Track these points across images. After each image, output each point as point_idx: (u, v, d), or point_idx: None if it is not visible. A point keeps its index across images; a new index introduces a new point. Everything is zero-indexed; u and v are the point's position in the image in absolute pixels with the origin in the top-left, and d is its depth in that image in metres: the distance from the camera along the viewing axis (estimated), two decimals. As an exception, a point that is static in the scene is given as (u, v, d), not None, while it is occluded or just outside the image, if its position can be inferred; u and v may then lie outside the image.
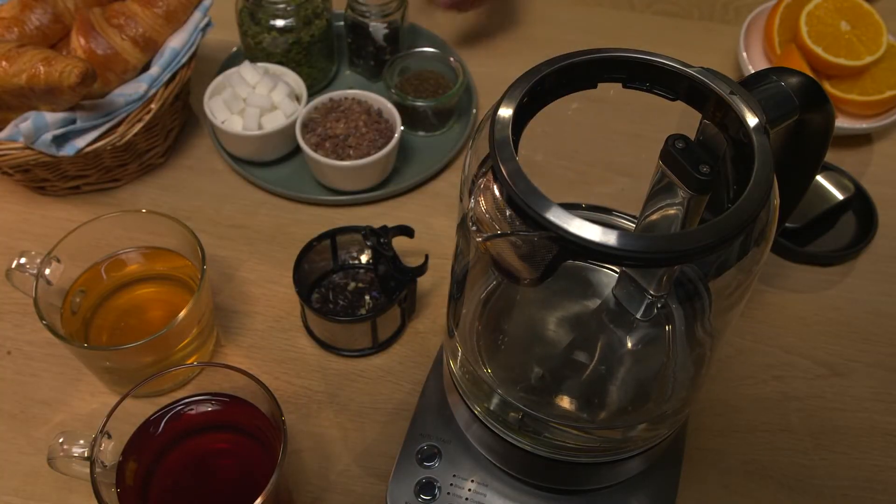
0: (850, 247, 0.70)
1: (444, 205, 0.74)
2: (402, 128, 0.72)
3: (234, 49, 0.84)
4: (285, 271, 0.63)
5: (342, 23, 0.82)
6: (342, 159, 0.71)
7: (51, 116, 0.64)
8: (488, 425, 0.49)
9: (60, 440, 0.49)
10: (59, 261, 0.58)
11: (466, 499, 0.52)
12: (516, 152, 0.36)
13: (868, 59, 0.76)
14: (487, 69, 0.84)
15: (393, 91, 0.76)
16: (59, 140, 0.65)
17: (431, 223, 0.71)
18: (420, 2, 0.90)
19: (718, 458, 0.59)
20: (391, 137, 0.72)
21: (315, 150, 0.71)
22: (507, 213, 0.35)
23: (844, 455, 0.60)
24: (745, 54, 0.81)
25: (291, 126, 0.72)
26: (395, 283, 0.61)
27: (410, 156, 0.76)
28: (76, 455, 0.49)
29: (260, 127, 0.72)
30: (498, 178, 0.35)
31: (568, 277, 0.54)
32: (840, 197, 0.72)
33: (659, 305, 0.48)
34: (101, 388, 0.62)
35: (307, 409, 0.61)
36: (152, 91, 0.68)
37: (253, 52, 0.78)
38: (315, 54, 0.79)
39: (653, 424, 0.49)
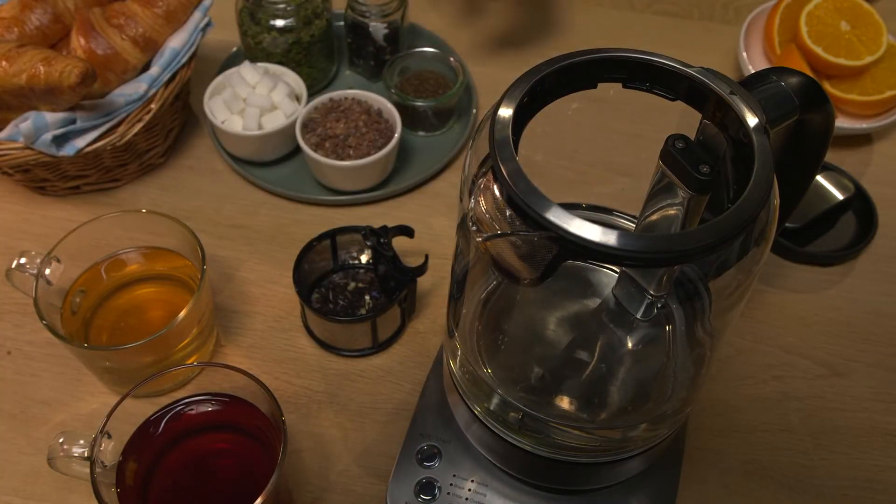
0: (850, 247, 0.70)
1: (444, 205, 0.74)
2: (402, 128, 0.72)
3: (234, 49, 0.84)
4: (285, 271, 0.63)
5: (342, 23, 0.82)
6: (342, 159, 0.71)
7: (51, 116, 0.64)
8: (488, 425, 0.49)
9: (60, 440, 0.49)
10: (59, 261, 0.58)
11: (466, 499, 0.52)
12: (516, 152, 0.36)
13: (868, 59, 0.76)
14: (487, 69, 0.84)
15: (393, 91, 0.76)
16: (59, 140, 0.65)
17: (431, 223, 0.71)
18: (420, 2, 0.90)
19: (718, 458, 0.59)
20: (391, 137, 0.72)
21: (315, 150, 0.71)
22: (507, 213, 0.35)
23: (844, 455, 0.60)
24: (745, 54, 0.81)
25: (291, 126, 0.72)
26: (395, 283, 0.61)
27: (410, 156, 0.76)
28: (76, 455, 0.49)
29: (260, 127, 0.72)
30: (498, 178, 0.35)
31: (568, 277, 0.54)
32: (840, 197, 0.72)
33: (659, 305, 0.48)
34: (101, 388, 0.62)
35: (307, 409, 0.61)
36: (152, 91, 0.68)
37: (253, 52, 0.78)
38: (315, 54, 0.79)
39: (653, 424, 0.49)
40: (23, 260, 0.58)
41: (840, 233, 0.72)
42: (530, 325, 0.54)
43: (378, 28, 0.78)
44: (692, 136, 0.40)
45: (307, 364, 0.64)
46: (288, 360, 0.64)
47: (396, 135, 0.71)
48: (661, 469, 0.54)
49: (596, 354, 0.51)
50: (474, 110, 0.80)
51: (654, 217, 0.43)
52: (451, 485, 0.53)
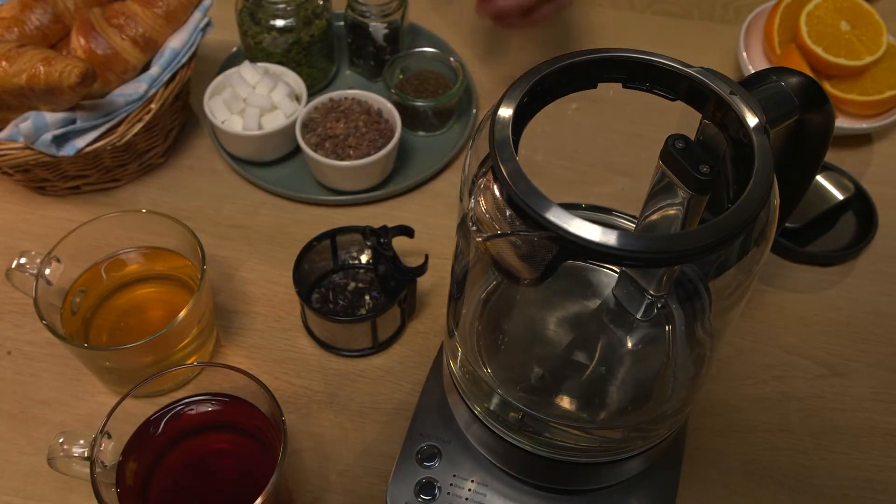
0: (850, 247, 0.70)
1: (444, 205, 0.74)
2: (402, 128, 0.72)
3: (234, 49, 0.84)
4: (285, 271, 0.63)
5: (342, 23, 0.82)
6: (342, 159, 0.71)
7: (51, 116, 0.64)
8: (488, 425, 0.49)
9: (60, 440, 0.49)
10: (59, 261, 0.58)
11: (466, 499, 0.52)
12: (516, 152, 0.36)
13: (868, 59, 0.76)
14: (487, 69, 0.84)
15: (393, 91, 0.76)
16: (59, 140, 0.65)
17: (431, 223, 0.71)
18: (420, 2, 0.90)
19: (718, 458, 0.59)
20: (391, 137, 0.72)
21: (315, 150, 0.71)
22: (507, 213, 0.35)
23: (844, 455, 0.60)
24: (745, 54, 0.81)
25: (291, 126, 0.72)
26: (395, 283, 0.61)
27: (410, 156, 0.76)
28: (76, 455, 0.49)
29: (260, 127, 0.72)
30: (498, 178, 0.35)
31: (568, 277, 0.54)
32: (840, 197, 0.72)
33: (659, 305, 0.48)
34: (101, 388, 0.62)
35: (307, 409, 0.61)
36: (152, 91, 0.68)
37: (253, 52, 0.78)
38: (315, 54, 0.79)
39: (653, 424, 0.49)
40: (23, 260, 0.58)
41: (840, 233, 0.72)
42: (530, 325, 0.54)
43: (378, 28, 0.78)
44: (692, 136, 0.40)
45: (307, 364, 0.64)
46: (288, 360, 0.64)
47: (396, 135, 0.71)
48: (661, 469, 0.54)
49: (596, 354, 0.51)
50: (474, 110, 0.80)
51: (654, 217, 0.43)
52: (451, 485, 0.53)
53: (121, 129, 0.67)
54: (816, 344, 0.65)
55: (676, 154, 0.38)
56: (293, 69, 0.77)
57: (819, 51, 0.76)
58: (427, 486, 0.53)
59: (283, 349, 0.64)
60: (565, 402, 0.50)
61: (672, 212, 0.41)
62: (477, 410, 0.50)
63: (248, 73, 0.74)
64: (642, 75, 0.40)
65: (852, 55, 0.76)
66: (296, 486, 0.57)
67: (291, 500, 0.56)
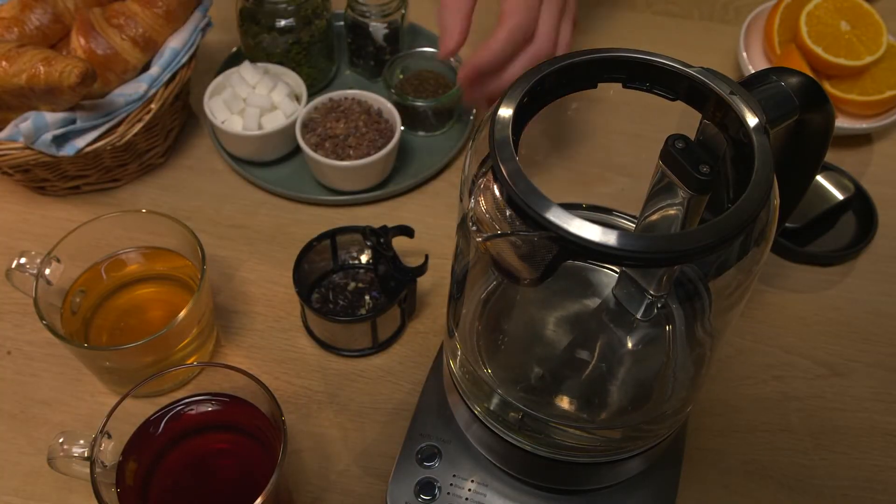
0: (850, 247, 0.70)
1: (444, 205, 0.74)
2: (402, 128, 0.72)
3: (234, 49, 0.84)
4: (285, 271, 0.63)
5: (342, 23, 0.82)
6: (342, 159, 0.71)
7: (51, 116, 0.64)
8: (488, 425, 0.49)
9: (60, 440, 0.49)
10: (59, 261, 0.58)
11: (466, 499, 0.52)
12: (516, 152, 0.36)
13: (868, 59, 0.76)
14: (487, 69, 0.84)
15: (393, 91, 0.76)
16: (59, 140, 0.65)
17: (431, 223, 0.71)
18: (420, 2, 0.90)
19: (718, 458, 0.59)
20: (391, 137, 0.72)
21: (315, 150, 0.71)
22: (507, 213, 0.35)
23: (844, 455, 0.60)
24: (745, 54, 0.81)
25: (291, 126, 0.72)
26: (395, 283, 0.61)
27: (410, 156, 0.76)
28: (76, 455, 0.49)
29: (260, 127, 0.72)
30: (498, 178, 0.35)
31: (568, 277, 0.54)
32: (840, 197, 0.72)
33: (659, 305, 0.48)
34: (101, 388, 0.62)
35: (307, 409, 0.61)
36: (152, 91, 0.68)
37: (253, 52, 0.78)
38: (315, 54, 0.79)
39: (653, 424, 0.49)
40: (23, 260, 0.58)
41: (840, 233, 0.72)
42: (530, 325, 0.54)
43: (378, 28, 0.78)
44: (692, 136, 0.40)
45: (307, 364, 0.64)
46: (288, 360, 0.64)
47: (396, 135, 0.71)
48: (661, 469, 0.54)
49: (596, 354, 0.51)
50: (474, 110, 0.80)
51: (654, 217, 0.43)
52: (451, 485, 0.53)
53: (121, 129, 0.67)
54: (816, 344, 0.65)
55: (676, 154, 0.38)
56: (293, 69, 0.77)
57: (819, 51, 0.76)
58: (427, 486, 0.53)
59: (283, 349, 0.64)
60: (565, 402, 0.50)
61: (672, 212, 0.41)
62: (477, 410, 0.50)
63: (248, 73, 0.74)
64: (642, 75, 0.40)
65: (852, 55, 0.76)
66: (296, 486, 0.57)
67: (291, 500, 0.56)
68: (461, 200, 0.41)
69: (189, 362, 0.60)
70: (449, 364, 0.52)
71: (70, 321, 0.59)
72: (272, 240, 0.71)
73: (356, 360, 0.64)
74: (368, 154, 0.71)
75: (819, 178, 0.73)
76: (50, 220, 0.72)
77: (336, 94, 0.75)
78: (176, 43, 0.70)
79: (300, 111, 0.73)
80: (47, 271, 0.58)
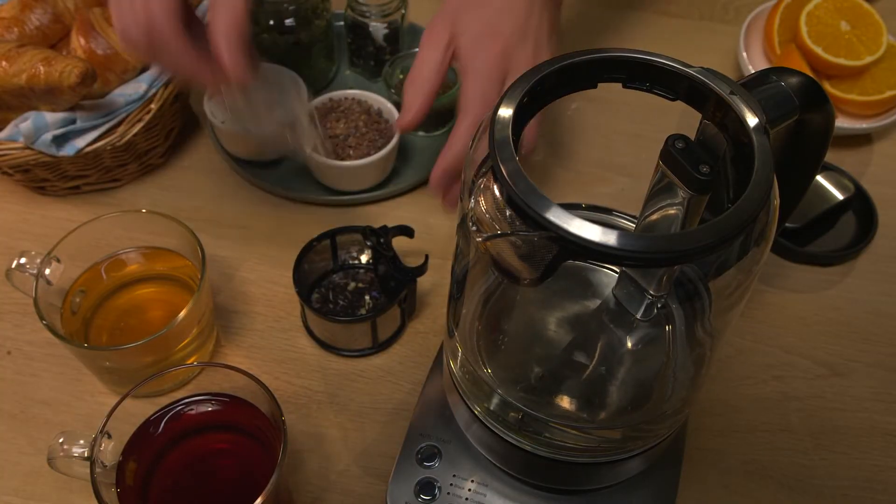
0: (850, 247, 0.70)
1: (444, 205, 0.74)
2: (402, 128, 0.72)
3: (234, 49, 0.83)
4: (285, 271, 0.63)
5: (342, 23, 0.82)
6: (342, 159, 0.71)
7: (51, 116, 0.64)
8: (488, 425, 0.49)
9: (60, 440, 0.49)
10: (59, 261, 0.58)
11: (466, 499, 0.52)
12: (516, 152, 0.36)
13: (868, 59, 0.76)
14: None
15: (393, 91, 0.76)
16: (59, 140, 0.65)
17: (431, 223, 0.71)
18: (420, 2, 0.90)
19: (718, 458, 0.59)
20: (391, 137, 0.72)
21: (315, 150, 0.71)
22: (507, 213, 0.35)
23: (844, 455, 0.60)
24: (745, 54, 0.81)
25: (291, 126, 0.72)
26: (395, 283, 0.61)
27: (410, 156, 0.76)
28: (76, 455, 0.49)
29: (260, 127, 0.72)
30: (498, 178, 0.35)
31: (568, 277, 0.54)
32: (840, 197, 0.72)
33: (659, 305, 0.48)
34: (101, 388, 0.62)
35: (307, 409, 0.61)
36: (152, 91, 0.68)
37: (253, 52, 0.78)
38: (315, 54, 0.79)
39: (653, 424, 0.49)
40: (23, 260, 0.58)
41: (840, 233, 0.72)
42: (530, 325, 0.54)
43: (378, 28, 0.78)
44: (692, 136, 0.40)
45: (307, 364, 0.64)
46: (288, 360, 0.64)
47: (396, 135, 0.71)
48: (661, 469, 0.54)
49: (596, 354, 0.51)
50: (474, 110, 0.80)
51: (654, 217, 0.43)
52: (451, 485, 0.53)
53: (121, 129, 0.67)
54: (816, 344, 0.65)
55: (676, 154, 0.38)
56: (293, 69, 0.77)
57: (819, 51, 0.76)
58: (427, 486, 0.53)
59: (283, 349, 0.64)
60: (565, 402, 0.50)
61: (672, 212, 0.41)
62: (477, 410, 0.50)
63: (248, 73, 0.74)
64: (642, 75, 0.40)
65: (852, 55, 0.76)
66: (296, 486, 0.57)
67: (291, 500, 0.56)
68: (461, 200, 0.41)
69: (189, 362, 0.60)
70: (449, 364, 0.52)
71: (70, 321, 0.59)
72: (272, 240, 0.71)
73: (356, 360, 0.64)
74: (368, 154, 0.71)
75: (819, 178, 0.73)
76: (50, 220, 0.72)
77: (336, 94, 0.75)
78: (176, 43, 0.70)
79: (300, 111, 0.73)
80: (47, 271, 0.58)
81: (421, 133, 0.78)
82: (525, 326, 0.54)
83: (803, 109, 0.41)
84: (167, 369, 0.51)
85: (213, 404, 0.53)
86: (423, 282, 0.65)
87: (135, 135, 0.68)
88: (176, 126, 0.76)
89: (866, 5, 0.79)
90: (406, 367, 0.63)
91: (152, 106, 0.68)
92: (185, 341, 0.58)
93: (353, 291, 0.65)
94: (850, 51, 0.76)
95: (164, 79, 0.69)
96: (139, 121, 0.67)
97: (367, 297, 0.65)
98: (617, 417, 0.51)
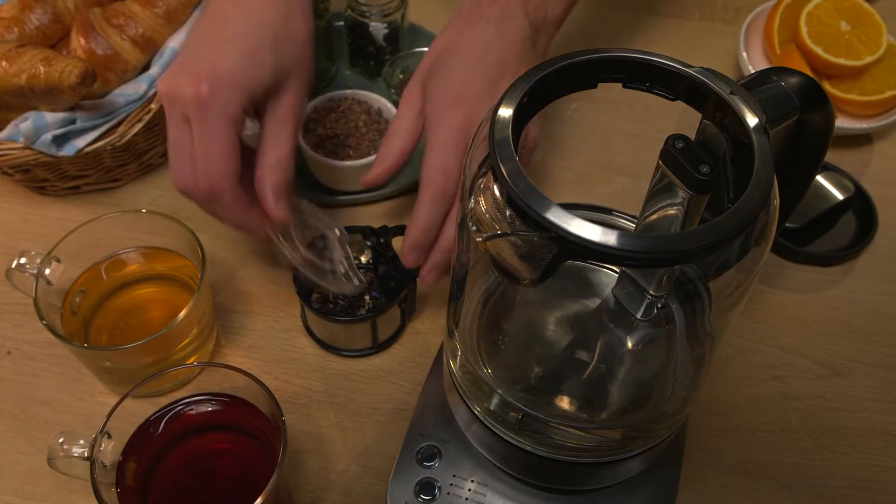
0: (850, 247, 0.70)
1: (444, 205, 0.74)
2: (402, 128, 0.72)
3: (234, 49, 0.83)
4: (285, 271, 0.63)
5: (342, 23, 0.82)
6: (342, 159, 0.71)
7: (51, 116, 0.64)
8: (488, 425, 0.49)
9: (60, 440, 0.49)
10: (59, 261, 0.58)
11: (466, 499, 0.52)
12: (516, 152, 0.36)
13: (868, 59, 0.76)
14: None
15: (393, 91, 0.76)
16: (59, 140, 0.65)
17: (431, 223, 0.71)
18: (420, 2, 0.90)
19: (718, 458, 0.59)
20: (391, 137, 0.71)
21: (315, 150, 0.71)
22: (507, 213, 0.35)
23: (844, 455, 0.60)
24: (745, 54, 0.81)
25: (291, 126, 0.72)
26: (395, 283, 0.61)
27: (411, 156, 0.76)
28: (76, 455, 0.49)
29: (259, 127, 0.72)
30: (498, 178, 0.35)
31: (568, 277, 0.54)
32: (840, 197, 0.72)
33: (659, 305, 0.48)
34: (101, 388, 0.62)
35: (307, 409, 0.61)
36: (152, 91, 0.68)
37: (253, 52, 0.78)
38: (315, 54, 0.78)
39: (653, 424, 0.49)
40: (23, 260, 0.58)
41: (840, 233, 0.72)
42: (530, 325, 0.54)
43: (378, 28, 0.78)
44: (692, 136, 0.40)
45: (307, 364, 0.64)
46: (288, 360, 0.64)
47: (396, 135, 0.71)
48: (661, 469, 0.54)
49: (596, 354, 0.51)
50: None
51: (654, 217, 0.43)
52: (451, 485, 0.53)
53: (121, 129, 0.67)
54: (816, 344, 0.65)
55: (676, 154, 0.38)
56: (293, 69, 0.77)
57: (819, 51, 0.76)
58: (427, 486, 0.53)
59: (283, 349, 0.64)
60: (565, 402, 0.50)
61: (672, 212, 0.41)
62: (477, 410, 0.50)
63: (248, 73, 0.74)
64: (642, 75, 0.40)
65: (852, 55, 0.76)
66: (296, 486, 0.57)
67: (291, 500, 0.56)
68: (461, 200, 0.41)
69: (189, 362, 0.60)
70: (449, 364, 0.52)
71: (70, 321, 0.59)
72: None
73: (356, 360, 0.64)
74: (368, 154, 0.71)
75: (819, 178, 0.73)
76: (50, 220, 0.72)
77: (336, 94, 0.75)
78: (176, 43, 0.70)
79: (300, 111, 0.73)
80: (47, 271, 0.58)
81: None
82: (525, 326, 0.54)
83: (803, 109, 0.41)
84: (167, 369, 0.51)
85: (213, 404, 0.53)
86: (423, 282, 0.65)
87: (135, 135, 0.68)
88: (176, 126, 0.76)
89: (866, 5, 0.79)
90: (406, 367, 0.63)
91: (152, 106, 0.68)
92: (185, 341, 0.58)
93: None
94: (850, 51, 0.76)
95: (164, 79, 0.69)
96: (139, 121, 0.67)
97: (367, 297, 0.64)
98: (617, 417, 0.51)
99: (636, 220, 0.46)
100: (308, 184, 0.74)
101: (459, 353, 0.50)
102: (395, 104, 0.74)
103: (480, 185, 0.37)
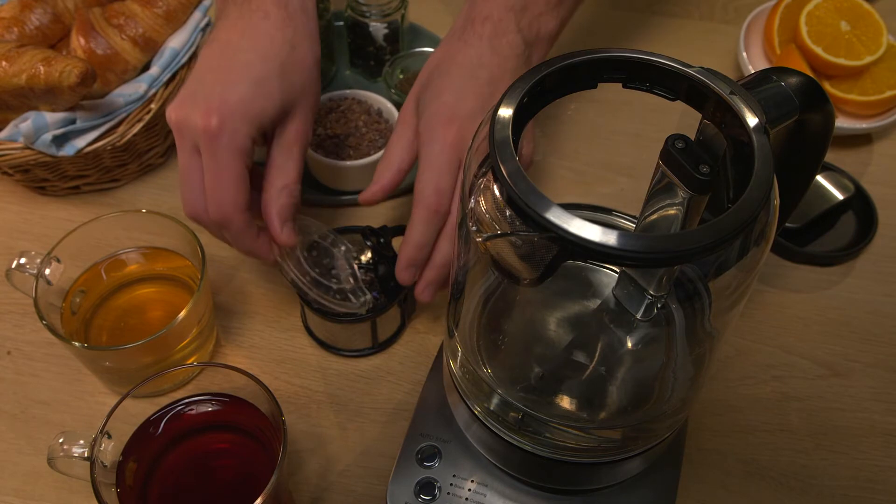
0: (850, 247, 0.70)
1: (444, 205, 0.74)
2: (402, 128, 0.72)
3: (234, 49, 0.83)
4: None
5: (342, 23, 0.82)
6: (342, 159, 0.71)
7: (51, 116, 0.64)
8: (488, 425, 0.49)
9: (60, 440, 0.49)
10: (59, 261, 0.58)
11: (466, 499, 0.52)
12: (516, 152, 0.36)
13: (868, 59, 0.76)
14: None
15: (393, 91, 0.76)
16: (59, 140, 0.65)
17: (431, 223, 0.71)
18: (420, 2, 0.90)
19: (718, 458, 0.59)
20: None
21: (315, 150, 0.71)
22: (507, 213, 0.35)
23: (844, 455, 0.60)
24: (745, 54, 0.81)
25: (291, 126, 0.72)
26: (395, 283, 0.61)
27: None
28: (76, 455, 0.49)
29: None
30: (498, 178, 0.35)
31: (568, 277, 0.54)
32: (840, 197, 0.72)
33: (659, 305, 0.48)
34: (101, 388, 0.62)
35: (307, 409, 0.61)
36: (152, 91, 0.68)
37: (253, 52, 0.78)
38: (315, 54, 0.78)
39: (653, 424, 0.49)
40: (23, 260, 0.58)
41: (840, 233, 0.72)
42: (530, 325, 0.54)
43: (378, 28, 0.78)
44: (692, 136, 0.40)
45: (307, 364, 0.64)
46: (288, 360, 0.64)
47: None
48: (661, 469, 0.54)
49: (596, 354, 0.51)
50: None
51: (654, 217, 0.43)
52: (451, 485, 0.53)
53: (121, 129, 0.67)
54: (816, 344, 0.65)
55: (676, 154, 0.38)
56: (293, 69, 0.77)
57: (819, 51, 0.76)
58: (427, 486, 0.53)
59: (283, 349, 0.64)
60: (565, 402, 0.50)
61: (672, 212, 0.41)
62: (477, 410, 0.50)
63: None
64: (642, 75, 0.40)
65: (852, 55, 0.76)
66: (296, 486, 0.57)
67: (291, 500, 0.56)
68: (461, 200, 0.41)
69: (189, 362, 0.60)
70: (449, 364, 0.52)
71: (70, 321, 0.59)
72: (272, 240, 0.71)
73: (356, 360, 0.64)
74: (368, 154, 0.71)
75: (819, 178, 0.73)
76: (50, 220, 0.72)
77: (336, 94, 0.75)
78: (176, 43, 0.70)
79: (300, 111, 0.73)
80: (47, 271, 0.58)
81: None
82: (525, 326, 0.54)
83: (803, 109, 0.41)
84: (167, 369, 0.51)
85: (213, 404, 0.53)
86: (423, 282, 0.65)
87: (135, 135, 0.68)
88: (176, 126, 0.76)
89: (866, 5, 0.79)
90: (406, 367, 0.63)
91: (152, 106, 0.68)
92: (185, 341, 0.58)
93: (353, 291, 0.65)
94: (850, 51, 0.76)
95: (165, 79, 0.69)
96: (139, 121, 0.68)
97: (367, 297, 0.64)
98: (617, 417, 0.51)
99: (636, 220, 0.46)
100: (308, 184, 0.74)
101: (459, 353, 0.50)
102: (395, 104, 0.74)
103: (480, 185, 0.37)
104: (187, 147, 0.53)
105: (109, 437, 0.49)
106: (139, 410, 0.51)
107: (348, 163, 0.70)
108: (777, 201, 0.39)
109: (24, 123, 0.63)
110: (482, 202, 0.36)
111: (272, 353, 0.64)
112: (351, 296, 0.60)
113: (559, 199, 0.34)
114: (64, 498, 0.57)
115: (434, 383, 0.57)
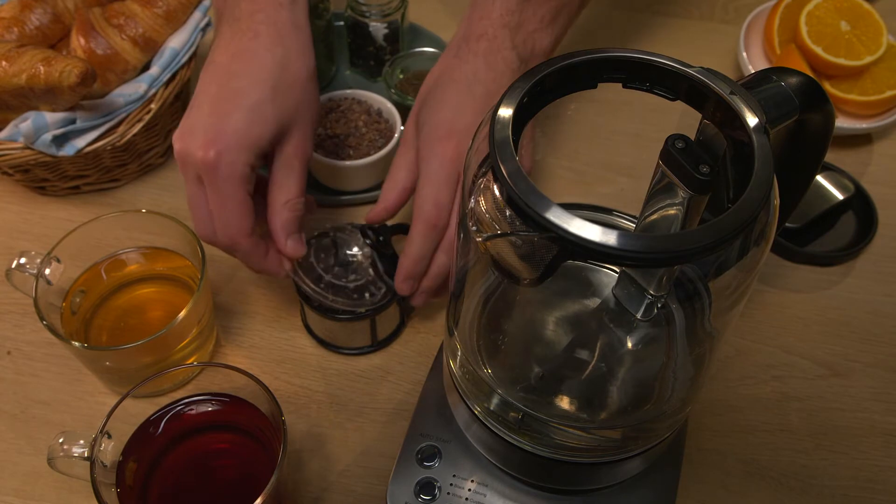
0: (850, 247, 0.70)
1: (444, 205, 0.74)
2: (402, 128, 0.72)
3: (234, 49, 0.83)
4: (285, 271, 0.63)
5: (342, 23, 0.82)
6: (342, 159, 0.71)
7: (51, 116, 0.64)
8: (488, 425, 0.49)
9: (60, 440, 0.49)
10: (59, 261, 0.58)
11: (466, 499, 0.52)
12: (516, 152, 0.36)
13: (868, 59, 0.76)
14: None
15: (393, 91, 0.76)
16: (59, 140, 0.65)
17: (431, 223, 0.71)
18: (420, 2, 0.90)
19: (718, 458, 0.59)
20: (391, 137, 0.72)
21: (315, 150, 0.71)
22: (507, 213, 0.35)
23: (844, 455, 0.60)
24: (745, 54, 0.81)
25: (291, 126, 0.72)
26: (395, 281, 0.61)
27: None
28: (76, 455, 0.49)
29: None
30: (498, 178, 0.35)
31: (568, 277, 0.54)
32: (840, 197, 0.72)
33: (659, 305, 0.48)
34: (101, 388, 0.62)
35: (307, 409, 0.61)
36: (152, 91, 0.68)
37: (253, 52, 0.78)
38: (315, 54, 0.78)
39: (653, 424, 0.49)
40: (23, 260, 0.58)
41: (840, 233, 0.72)
42: (530, 325, 0.54)
43: (378, 28, 0.78)
44: (692, 136, 0.40)
45: (307, 364, 0.64)
46: (288, 360, 0.64)
47: (396, 135, 0.71)
48: (661, 469, 0.54)
49: (596, 354, 0.51)
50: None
51: (654, 217, 0.43)
52: (451, 485, 0.53)
53: (121, 129, 0.67)
54: (816, 344, 0.65)
55: (676, 154, 0.38)
56: (293, 69, 0.77)
57: (819, 51, 0.76)
58: (427, 486, 0.53)
59: (283, 349, 0.64)
60: (565, 402, 0.50)
61: (672, 212, 0.41)
62: (477, 410, 0.50)
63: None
64: (642, 75, 0.40)
65: (852, 55, 0.76)
66: (296, 486, 0.57)
67: (291, 500, 0.56)
68: (461, 200, 0.41)
69: (189, 362, 0.60)
70: (449, 364, 0.52)
71: (70, 321, 0.59)
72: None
73: (356, 360, 0.64)
74: (368, 154, 0.71)
75: (819, 178, 0.73)
76: (50, 220, 0.72)
77: (336, 94, 0.75)
78: (176, 43, 0.70)
79: (300, 111, 0.73)
80: (47, 271, 0.58)
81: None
82: (525, 326, 0.54)
83: (803, 109, 0.41)
84: (167, 369, 0.51)
85: (213, 404, 0.53)
86: (423, 282, 0.65)
87: (135, 135, 0.68)
88: (176, 126, 0.76)
89: (866, 5, 0.79)
90: (406, 367, 0.63)
91: (152, 106, 0.68)
92: (185, 341, 0.58)
93: (353, 291, 0.65)
94: (850, 51, 0.76)
95: (164, 79, 0.69)
96: (139, 121, 0.68)
97: (366, 295, 0.64)
98: (617, 417, 0.51)
99: (636, 220, 0.46)
100: (308, 184, 0.73)
101: (459, 353, 0.50)
102: (395, 104, 0.74)
103: (480, 185, 0.37)
104: (191, 177, 0.54)
105: (109, 437, 0.49)
106: (139, 410, 0.51)
107: (348, 163, 0.70)
108: (777, 201, 0.39)
109: (24, 123, 0.63)
110: (482, 202, 0.36)
111: (272, 353, 0.64)
112: (372, 287, 0.60)
113: (559, 199, 0.34)
114: (64, 498, 0.57)
115: (434, 383, 0.58)
